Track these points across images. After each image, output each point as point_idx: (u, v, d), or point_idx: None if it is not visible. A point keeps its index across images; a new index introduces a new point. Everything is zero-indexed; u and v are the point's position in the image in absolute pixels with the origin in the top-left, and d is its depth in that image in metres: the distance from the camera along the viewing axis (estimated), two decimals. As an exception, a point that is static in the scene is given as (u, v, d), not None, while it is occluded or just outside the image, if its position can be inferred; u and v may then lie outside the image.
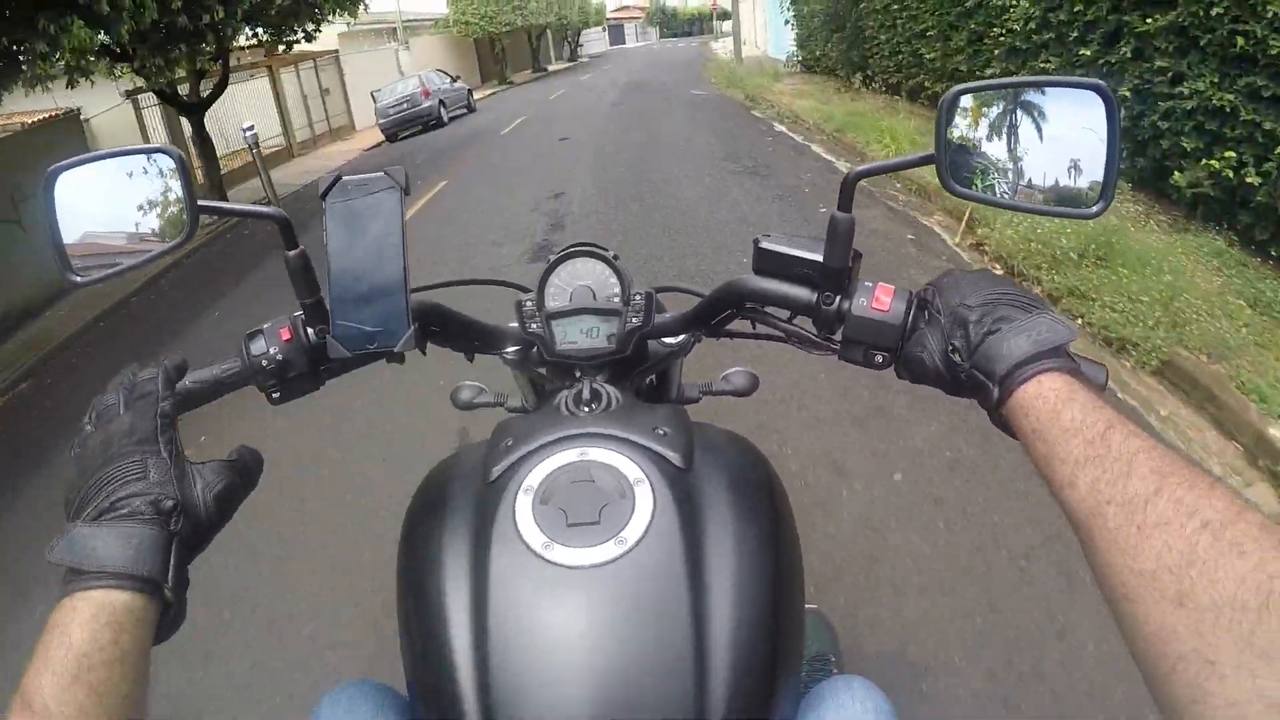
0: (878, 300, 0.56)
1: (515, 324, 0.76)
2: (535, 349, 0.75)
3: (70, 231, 0.57)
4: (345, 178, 0.57)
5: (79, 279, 0.56)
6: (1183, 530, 0.33)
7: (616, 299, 0.72)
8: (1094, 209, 0.51)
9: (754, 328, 0.69)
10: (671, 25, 65.41)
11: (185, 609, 0.45)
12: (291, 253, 0.57)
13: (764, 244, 0.61)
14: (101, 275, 0.58)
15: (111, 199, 0.58)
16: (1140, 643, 0.33)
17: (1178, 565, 0.32)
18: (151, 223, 0.58)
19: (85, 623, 0.39)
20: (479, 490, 0.56)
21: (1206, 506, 0.34)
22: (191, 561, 0.47)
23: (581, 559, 0.48)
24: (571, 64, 34.12)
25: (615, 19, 61.01)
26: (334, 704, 0.57)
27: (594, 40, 48.77)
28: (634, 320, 0.70)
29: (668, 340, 0.78)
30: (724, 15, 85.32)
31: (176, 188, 0.57)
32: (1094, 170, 0.51)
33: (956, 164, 0.54)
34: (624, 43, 58.41)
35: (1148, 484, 0.36)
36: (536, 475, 0.54)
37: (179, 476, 0.47)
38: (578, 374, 0.72)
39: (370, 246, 0.55)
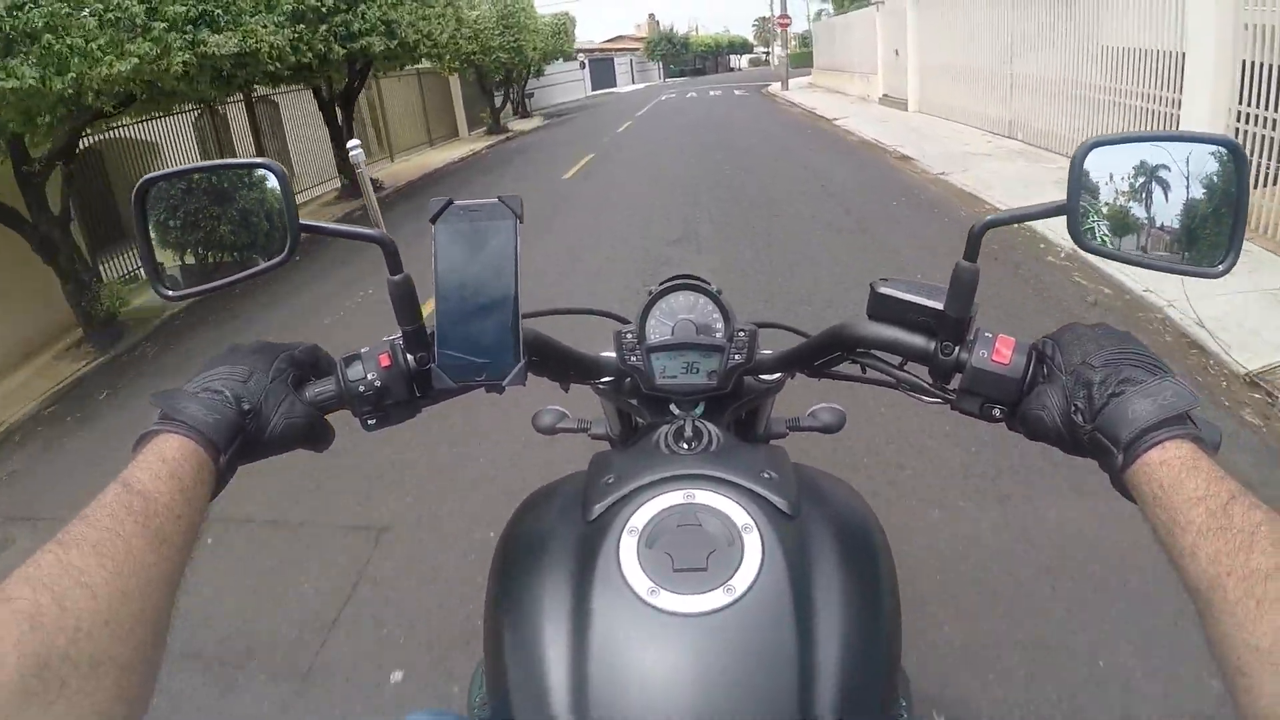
0: (998, 353, 0.54)
1: (611, 354, 0.75)
2: (629, 380, 0.74)
3: (164, 243, 0.57)
4: (457, 203, 0.55)
5: (171, 293, 0.57)
6: None
7: (719, 334, 0.71)
8: (1219, 268, 0.50)
9: (863, 371, 0.67)
10: (680, 59, 50.90)
11: (224, 485, 0.52)
12: (396, 277, 0.56)
13: (881, 289, 0.59)
14: (194, 290, 0.58)
15: (207, 212, 0.58)
16: (1253, 717, 0.34)
17: None
18: (248, 238, 0.58)
19: (155, 457, 0.47)
20: (579, 527, 0.55)
21: None
22: (242, 463, 0.54)
23: (689, 606, 0.47)
24: (501, 138, 16.66)
25: (603, 51, 45.25)
26: None
27: (563, 81, 31.14)
28: (736, 357, 0.70)
29: (764, 376, 0.77)
30: (746, 47, 68.75)
31: (276, 204, 0.56)
32: (1221, 227, 0.50)
33: (1087, 216, 0.53)
34: (614, 84, 40.83)
35: (1269, 558, 0.36)
36: (641, 516, 0.53)
37: (267, 395, 0.54)
38: (673, 408, 0.71)
39: (481, 275, 0.54)
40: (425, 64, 13.08)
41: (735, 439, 0.65)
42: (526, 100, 23.95)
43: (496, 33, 16.02)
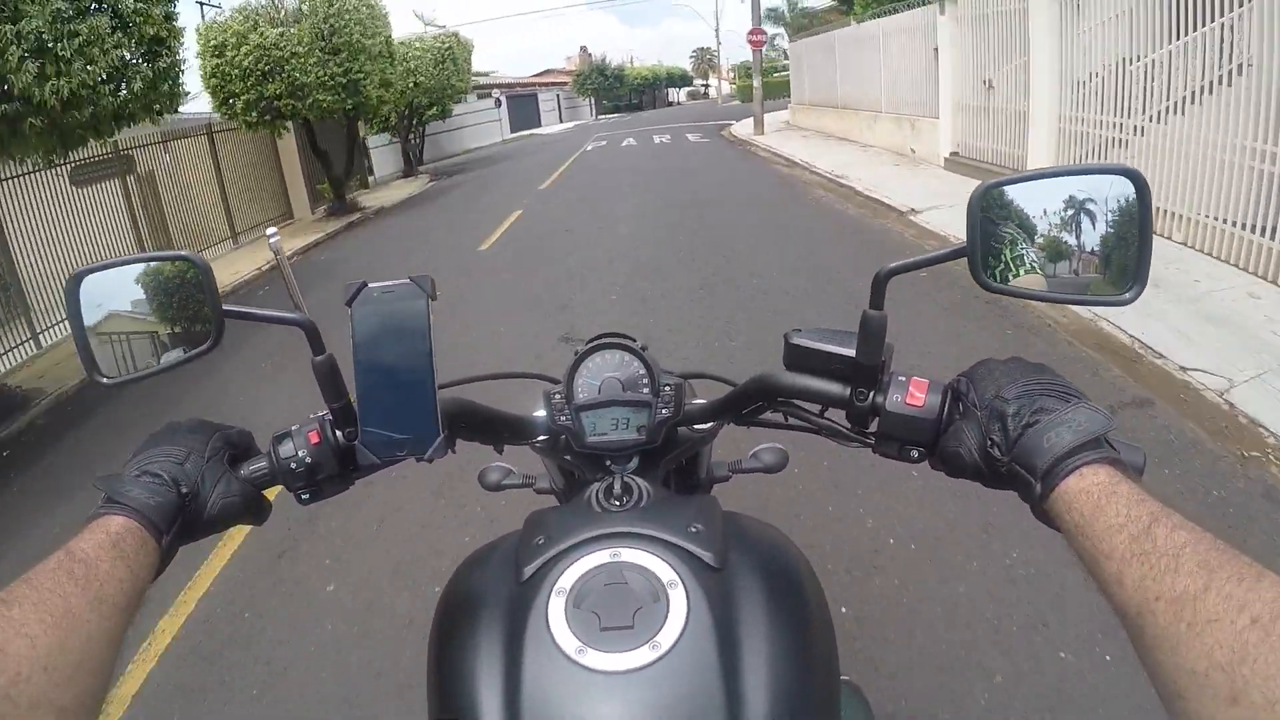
0: (912, 396, 0.56)
1: (542, 413, 0.76)
2: (563, 439, 0.75)
3: (97, 333, 0.59)
4: (370, 285, 0.57)
5: (105, 380, 0.59)
6: (1233, 626, 0.33)
7: (645, 390, 0.72)
8: (1127, 295, 0.52)
9: (785, 420, 0.68)
10: (613, 94, 45.33)
11: (167, 565, 0.54)
12: (318, 358, 0.59)
13: (795, 340, 0.61)
14: (128, 377, 0.60)
15: (137, 303, 0.60)
16: None
17: (1229, 663, 0.32)
18: (177, 327, 0.60)
19: (100, 532, 0.49)
20: (511, 589, 0.56)
21: (1255, 600, 0.33)
22: (183, 544, 0.56)
23: (615, 664, 0.48)
24: (341, 224, 11.00)
25: (527, 86, 39.88)
26: None
27: (475, 123, 26.44)
28: (664, 411, 0.71)
29: (697, 426, 0.78)
30: (685, 80, 62.43)
31: (199, 293, 0.58)
32: (1126, 256, 0.51)
33: (989, 257, 0.54)
34: (538, 124, 36.40)
35: (1196, 580, 0.36)
36: (569, 577, 0.54)
37: (204, 475, 0.57)
38: (608, 463, 0.73)
39: (397, 353, 0.55)
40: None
41: (666, 492, 0.68)
42: (411, 154, 18.05)
43: (312, 62, 9.88)
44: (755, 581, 0.54)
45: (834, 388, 0.59)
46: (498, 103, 30.95)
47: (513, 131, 32.88)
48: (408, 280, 0.57)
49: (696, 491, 0.90)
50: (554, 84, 44.13)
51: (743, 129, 16.77)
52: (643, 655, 0.48)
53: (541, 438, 0.78)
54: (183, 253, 0.60)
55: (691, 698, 0.46)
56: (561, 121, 40.27)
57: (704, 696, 0.46)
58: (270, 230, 0.93)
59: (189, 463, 0.56)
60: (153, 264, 0.60)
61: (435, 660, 0.57)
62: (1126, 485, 0.43)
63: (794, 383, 0.61)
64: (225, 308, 0.57)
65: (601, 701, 0.46)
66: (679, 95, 58.15)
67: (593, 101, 44.85)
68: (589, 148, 17.87)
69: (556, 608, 0.51)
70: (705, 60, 64.02)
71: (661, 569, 0.53)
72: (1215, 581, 0.35)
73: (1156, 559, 0.38)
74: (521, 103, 36.67)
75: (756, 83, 15.80)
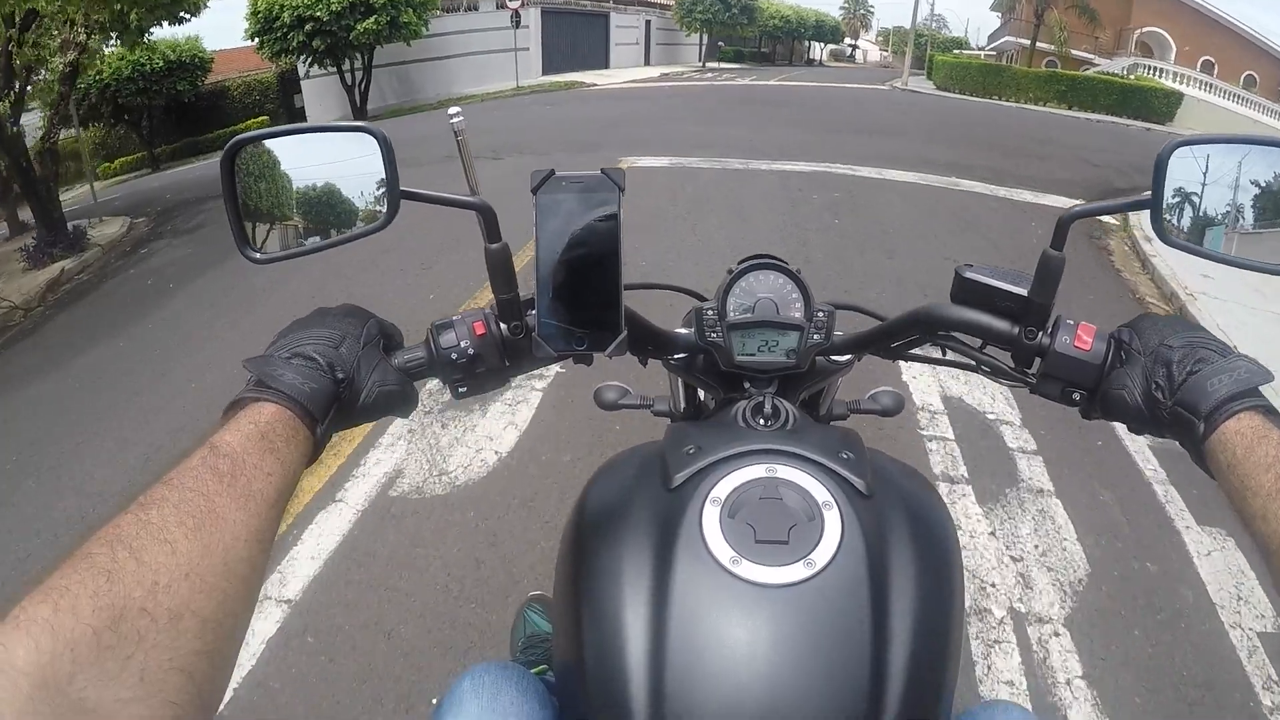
0: (1080, 339, 0.56)
1: (684, 329, 0.76)
2: (701, 357, 0.75)
3: (251, 206, 0.56)
4: (559, 173, 0.55)
5: (257, 256, 0.56)
6: None
7: (798, 314, 0.72)
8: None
9: (943, 354, 0.69)
10: (735, 34, 30.89)
11: (319, 454, 0.51)
12: (494, 245, 0.57)
13: (966, 274, 0.60)
14: (282, 254, 0.57)
15: (300, 176, 0.57)
16: None
17: None
18: (341, 205, 0.57)
19: (247, 423, 0.46)
20: (659, 495, 0.56)
21: None
22: (336, 431, 0.53)
23: (770, 577, 0.49)
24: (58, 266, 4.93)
25: (597, 2, 24.40)
26: (477, 685, 0.59)
27: (463, 51, 17.72)
28: (815, 337, 0.71)
29: (835, 358, 0.78)
30: (836, 34, 43.42)
31: (374, 170, 0.55)
32: None
33: (1173, 211, 0.55)
34: (603, 62, 22.83)
35: None
36: (724, 487, 0.54)
37: (359, 362, 0.54)
38: (747, 385, 0.72)
39: (583, 245, 0.53)
40: None
41: (809, 419, 0.67)
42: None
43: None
44: (904, 516, 0.56)
45: (1002, 324, 0.59)
46: (516, 18, 17.44)
47: (547, 72, 19.63)
48: (599, 172, 0.55)
49: None
50: (646, 2, 28.16)
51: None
52: (797, 571, 0.49)
53: (681, 354, 0.77)
54: (360, 124, 0.56)
55: (840, 620, 0.48)
56: (646, 63, 25.71)
57: (852, 620, 0.48)
58: (453, 109, 0.63)
59: (344, 347, 0.53)
60: (318, 134, 0.57)
61: (571, 562, 0.58)
62: (1277, 432, 0.45)
63: (961, 316, 0.61)
64: (403, 189, 0.55)
65: (751, 611, 0.48)
66: (822, 52, 47.47)
67: (702, 40, 29.45)
68: (653, 164, 7.50)
69: (710, 516, 0.52)
70: (857, 15, 53.00)
71: (816, 489, 0.54)
72: None
73: None
74: (576, 23, 22.16)
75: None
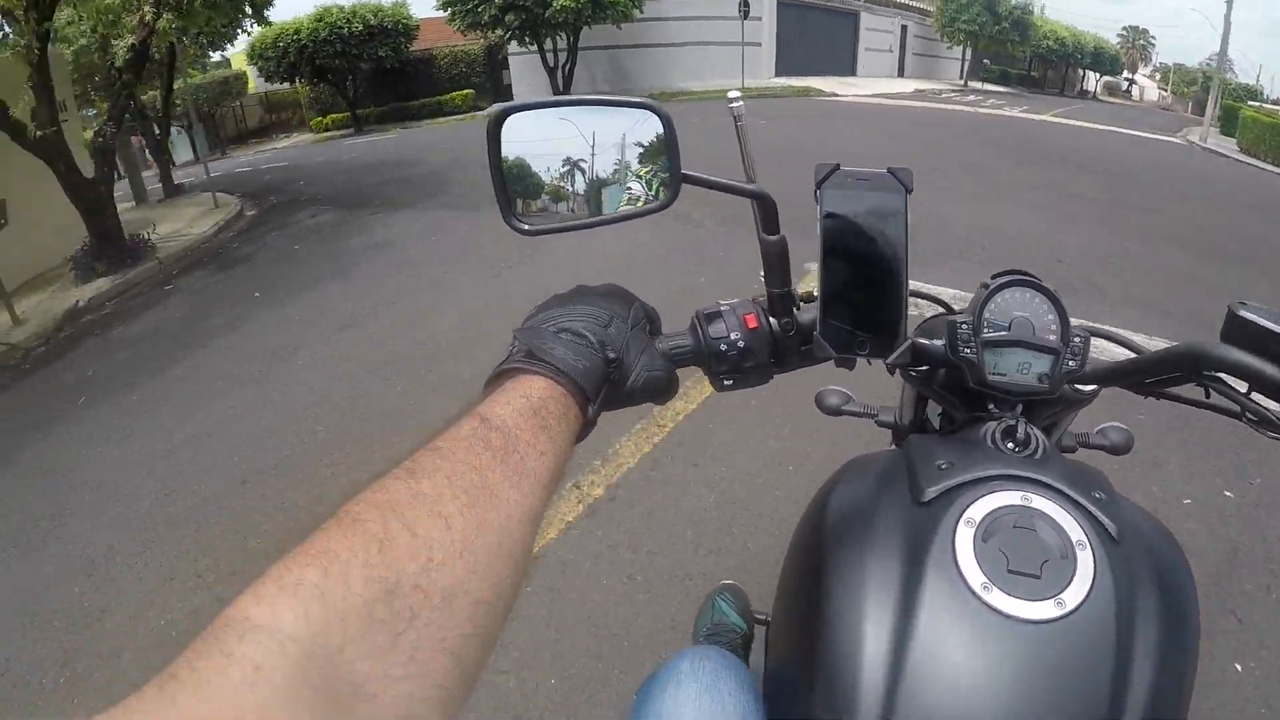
0: None
1: (925, 340, 0.72)
2: (944, 371, 0.72)
3: (515, 176, 0.55)
4: (844, 168, 0.54)
5: (525, 227, 0.56)
6: None
7: (1054, 337, 0.67)
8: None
9: (1206, 395, 0.63)
10: (1003, 50, 25.94)
11: (586, 436, 0.49)
12: (772, 237, 0.56)
13: (1243, 313, 0.54)
14: (548, 228, 0.57)
15: (569, 149, 0.56)
16: None
17: None
18: (613, 181, 0.56)
19: (518, 395, 0.44)
20: (909, 507, 0.55)
21: None
22: (605, 411, 0.51)
23: (1020, 611, 0.47)
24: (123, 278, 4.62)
25: None
26: (696, 668, 0.62)
27: (683, 40, 15.66)
28: (1070, 363, 0.66)
29: (1081, 387, 0.72)
30: (1113, 64, 35.81)
31: (650, 148, 0.55)
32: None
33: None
34: (849, 68, 20.28)
35: None
36: (979, 509, 0.53)
37: (628, 344, 0.52)
38: (991, 406, 0.68)
39: (870, 245, 0.52)
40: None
41: (1057, 451, 0.64)
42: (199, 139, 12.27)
43: None
44: (1151, 568, 0.54)
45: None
46: (744, 8, 14.84)
47: (780, 73, 17.43)
48: (886, 171, 0.54)
49: None
50: (902, 4, 24.47)
51: None
52: (1047, 609, 0.47)
53: (924, 366, 0.74)
54: (644, 100, 0.55)
55: (1082, 667, 0.46)
56: (899, 74, 22.62)
57: (1094, 671, 0.46)
58: (733, 93, 0.66)
59: (612, 326, 0.52)
60: (593, 108, 0.56)
61: (809, 562, 0.58)
62: None
63: (1234, 358, 0.54)
64: (684, 171, 0.54)
65: (996, 642, 0.46)
66: (1096, 84, 40.27)
67: (965, 54, 24.98)
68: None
69: (964, 537, 0.51)
70: (1135, 45, 44.85)
71: (1071, 527, 0.52)
72: None
73: None
74: (819, 20, 19.10)
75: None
